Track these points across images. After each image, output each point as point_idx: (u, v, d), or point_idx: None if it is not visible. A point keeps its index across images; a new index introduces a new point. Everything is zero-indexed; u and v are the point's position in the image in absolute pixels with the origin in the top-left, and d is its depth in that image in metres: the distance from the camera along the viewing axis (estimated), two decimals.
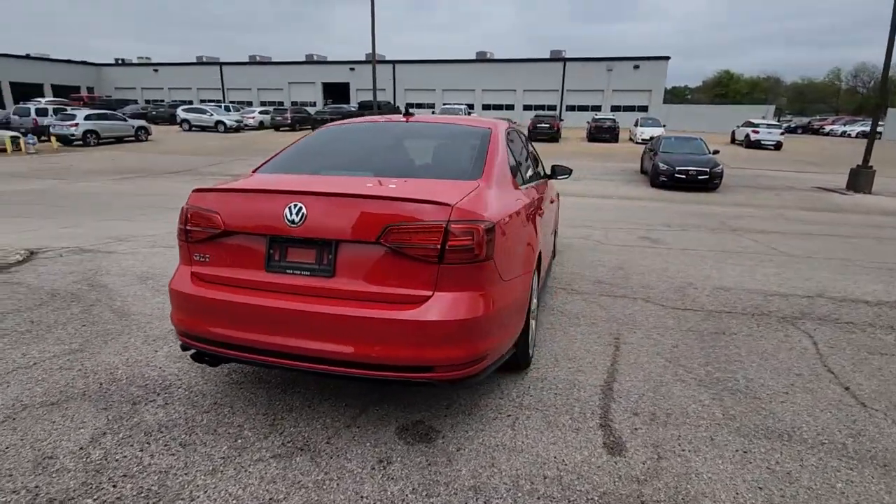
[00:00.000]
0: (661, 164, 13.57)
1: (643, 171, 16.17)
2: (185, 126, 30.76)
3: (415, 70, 45.34)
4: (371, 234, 2.06)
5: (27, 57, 46.81)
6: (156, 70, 51.15)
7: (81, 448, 2.25)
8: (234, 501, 1.96)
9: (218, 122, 30.44)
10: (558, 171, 4.91)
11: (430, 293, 2.08)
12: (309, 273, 2.15)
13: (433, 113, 32.59)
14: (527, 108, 42.65)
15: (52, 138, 21.17)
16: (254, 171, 2.80)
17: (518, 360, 2.84)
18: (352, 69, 46.11)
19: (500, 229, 2.32)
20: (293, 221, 2.12)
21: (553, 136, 27.57)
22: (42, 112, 23.51)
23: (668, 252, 6.15)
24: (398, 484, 2.07)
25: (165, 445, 2.28)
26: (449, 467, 2.17)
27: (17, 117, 23.39)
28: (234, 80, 49.66)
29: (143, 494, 1.98)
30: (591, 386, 2.88)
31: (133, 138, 24.10)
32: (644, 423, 2.52)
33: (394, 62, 45.52)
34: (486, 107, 44.03)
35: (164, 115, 34.55)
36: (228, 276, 2.26)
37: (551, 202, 4.56)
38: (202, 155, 19.26)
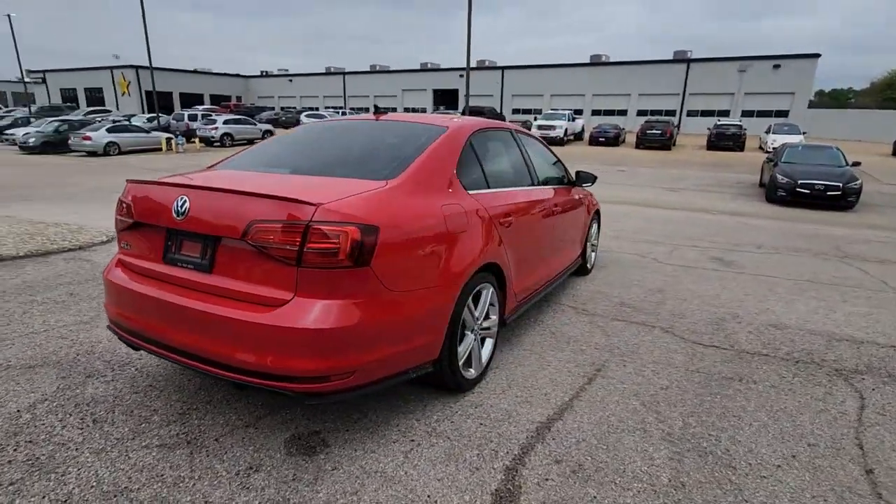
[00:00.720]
0: (779, 177, 11.68)
1: (762, 185, 14.13)
2: None
3: (523, 75, 44.81)
4: (237, 230, 1.99)
5: (193, 72, 55.11)
6: (290, 80, 57.02)
7: (18, 411, 2.50)
8: (95, 483, 2.02)
9: None
10: (582, 178, 4.45)
11: (289, 297, 1.96)
12: (193, 267, 2.15)
13: (534, 117, 31.88)
14: (641, 113, 39.81)
15: (197, 140, 24.69)
16: (208, 167, 2.90)
17: (445, 382, 2.57)
18: (461, 76, 46.99)
19: (396, 235, 2.11)
20: (179, 213, 2.13)
21: (665, 143, 25.37)
22: (193, 118, 27.62)
23: (735, 277, 5.24)
24: (249, 495, 1.97)
25: (81, 419, 2.44)
26: (310, 487, 2.02)
27: (174, 122, 27.72)
28: (354, 89, 53.47)
29: (29, 461, 2.13)
30: (527, 421, 2.51)
31: (260, 139, 27.15)
32: (560, 475, 2.12)
33: (503, 68, 45.49)
34: (595, 112, 42.00)
35: (292, 120, 38.30)
36: (136, 265, 2.35)
37: (569, 210, 4.14)
38: None
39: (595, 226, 5.21)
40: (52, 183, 11.41)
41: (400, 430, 2.40)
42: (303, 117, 34.66)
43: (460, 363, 2.60)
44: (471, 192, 2.76)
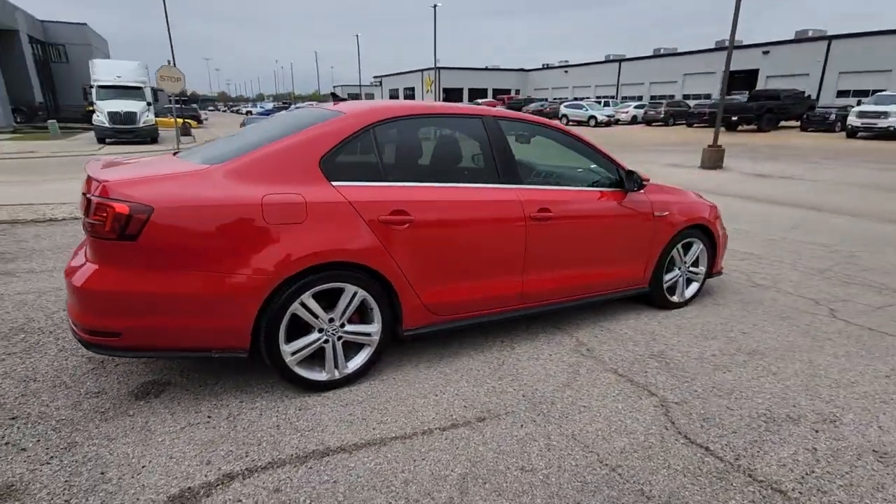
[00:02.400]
0: None
1: None
2: (563, 121, 33.77)
3: (857, 46, 33.44)
4: (83, 207, 2.34)
5: (483, 69, 61.62)
6: (566, 72, 57.48)
7: None
8: None
9: (590, 117, 32.01)
10: (635, 180, 3.36)
11: (84, 262, 2.25)
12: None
13: (858, 101, 23.67)
14: None
15: None
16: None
17: (283, 376, 2.46)
18: (765, 52, 38.45)
19: (176, 217, 2.15)
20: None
21: None
22: None
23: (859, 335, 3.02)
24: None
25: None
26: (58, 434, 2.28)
27: None
28: (629, 76, 50.20)
29: None
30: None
31: None
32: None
33: (829, 38, 35.02)
34: None
35: (553, 113, 38.87)
36: None
37: (602, 217, 3.22)
38: None
39: (697, 246, 3.80)
40: None
41: (210, 402, 2.45)
42: (562, 107, 34.57)
43: (285, 360, 2.43)
44: (342, 183, 2.48)
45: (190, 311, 2.25)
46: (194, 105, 44.43)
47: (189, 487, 1.91)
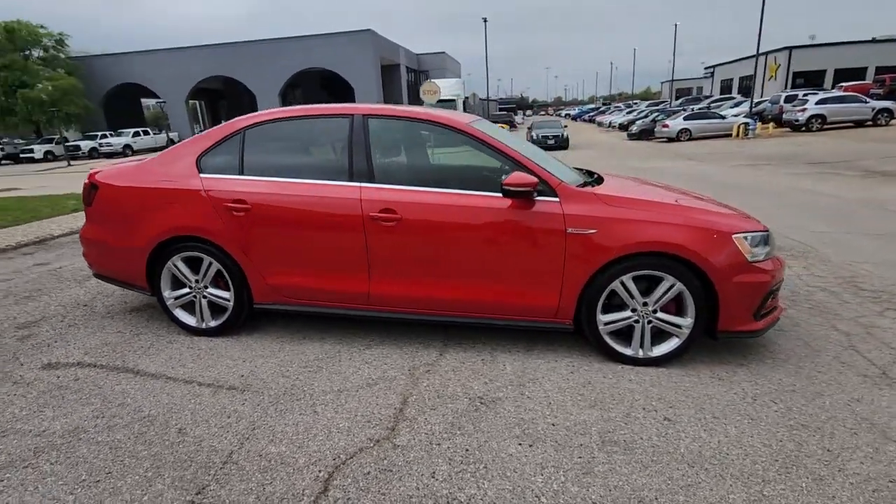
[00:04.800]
0: None
1: None
2: None
3: None
4: None
5: (856, 42, 45.98)
6: None
7: None
8: None
9: None
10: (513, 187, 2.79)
11: None
12: None
13: None
14: None
15: (771, 124, 22.28)
16: None
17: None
18: None
19: (105, 193, 3.37)
20: None
21: None
22: (790, 99, 24.37)
23: None
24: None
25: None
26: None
27: (769, 105, 25.51)
28: None
29: None
30: None
31: (871, 122, 20.93)
32: None
33: None
34: None
35: None
36: None
37: (476, 225, 2.84)
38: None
39: (670, 284, 2.70)
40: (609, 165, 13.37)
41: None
42: None
43: (167, 303, 3.31)
44: (207, 175, 3.15)
45: (118, 257, 3.42)
46: (508, 111, 50.14)
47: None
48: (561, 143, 21.07)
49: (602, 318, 2.82)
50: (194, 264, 3.29)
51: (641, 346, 2.84)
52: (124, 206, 3.35)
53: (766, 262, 2.75)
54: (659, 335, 2.84)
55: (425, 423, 2.35)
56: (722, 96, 39.80)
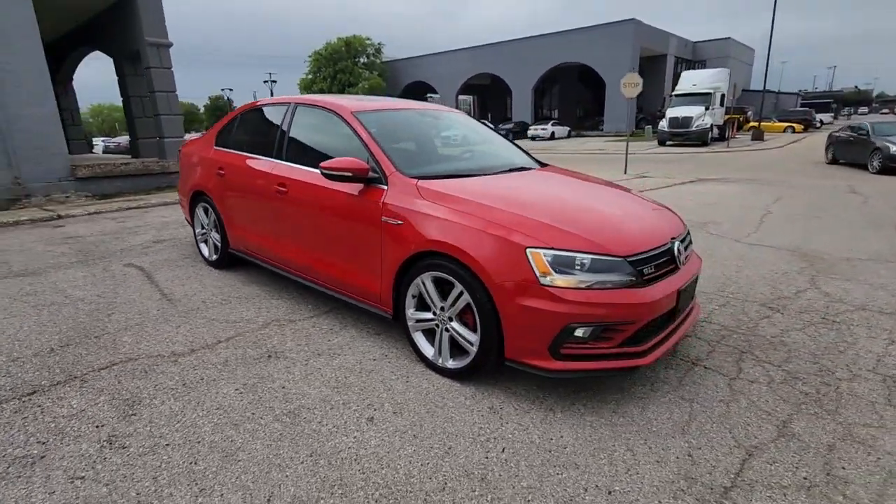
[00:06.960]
0: None
1: None
2: None
3: None
4: None
5: None
6: None
7: None
8: None
9: None
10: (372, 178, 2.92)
11: None
12: None
13: None
14: None
15: None
16: None
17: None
18: None
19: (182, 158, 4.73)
20: None
21: None
22: None
23: None
24: None
25: None
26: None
27: None
28: None
29: None
30: None
31: None
32: None
33: None
34: None
35: None
36: None
37: (335, 208, 3.00)
38: None
39: (458, 291, 2.42)
40: None
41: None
42: None
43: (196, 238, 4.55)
44: (216, 147, 4.18)
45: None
46: (812, 107, 39.55)
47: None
48: None
49: (412, 313, 2.68)
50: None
51: (440, 353, 2.58)
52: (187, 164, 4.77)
53: (570, 290, 2.13)
54: (459, 347, 2.52)
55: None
56: None
